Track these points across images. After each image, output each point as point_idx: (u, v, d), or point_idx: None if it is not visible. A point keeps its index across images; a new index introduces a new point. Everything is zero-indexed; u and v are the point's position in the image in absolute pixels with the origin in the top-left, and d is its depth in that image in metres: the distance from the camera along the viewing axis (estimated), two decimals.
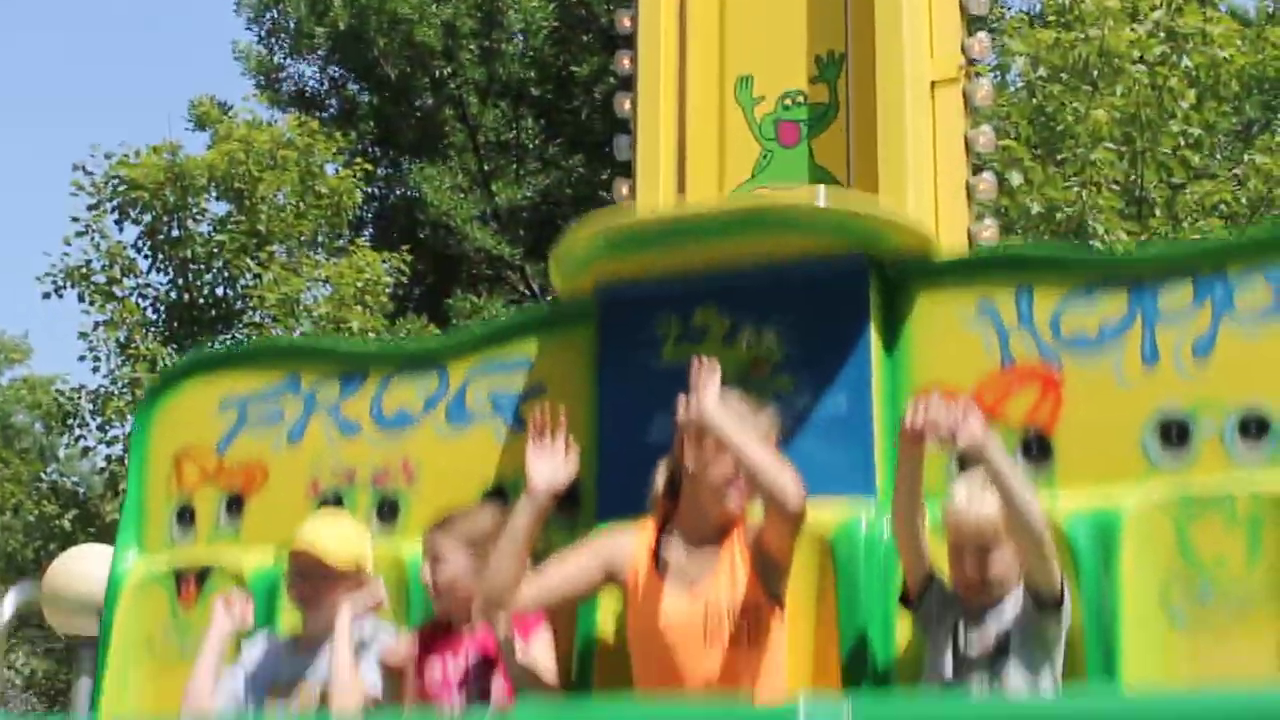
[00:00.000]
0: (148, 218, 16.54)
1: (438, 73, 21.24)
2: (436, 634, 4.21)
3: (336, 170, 17.57)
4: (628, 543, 3.94)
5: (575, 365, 4.40)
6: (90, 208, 16.96)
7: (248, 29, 22.67)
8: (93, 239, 17.06)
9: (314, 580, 4.24)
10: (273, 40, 22.67)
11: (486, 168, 21.58)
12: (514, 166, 21.72)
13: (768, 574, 3.82)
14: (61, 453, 24.30)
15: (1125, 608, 3.70)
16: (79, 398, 17.54)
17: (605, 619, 4.13)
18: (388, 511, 4.58)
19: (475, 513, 4.18)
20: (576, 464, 3.87)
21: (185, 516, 4.85)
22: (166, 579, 4.77)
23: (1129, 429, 3.85)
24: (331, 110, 21.89)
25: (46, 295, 17.16)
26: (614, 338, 4.29)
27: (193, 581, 4.72)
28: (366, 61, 21.61)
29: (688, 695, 3.70)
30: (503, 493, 4.40)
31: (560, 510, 4.28)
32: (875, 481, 3.97)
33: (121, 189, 16.64)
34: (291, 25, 22.31)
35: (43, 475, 20.57)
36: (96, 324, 17.29)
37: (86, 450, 18.02)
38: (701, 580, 3.83)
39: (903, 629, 3.86)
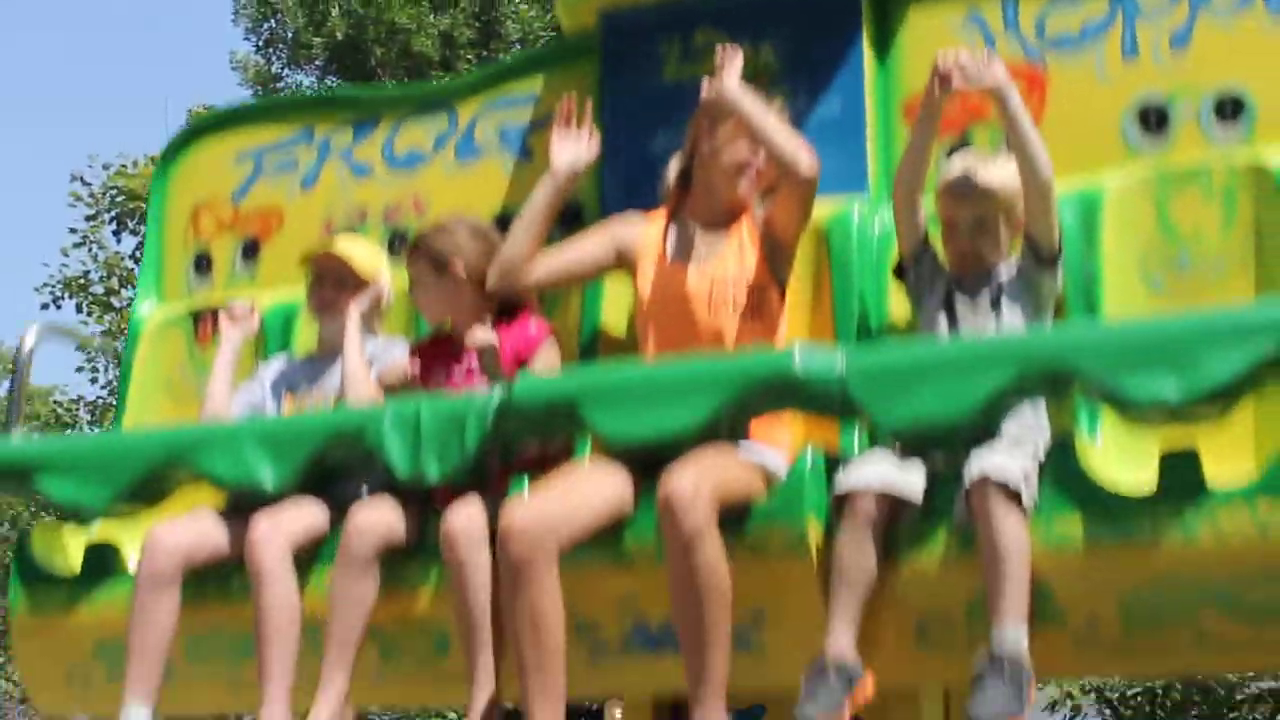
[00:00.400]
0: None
1: (436, 82, 21.03)
2: (438, 346, 4.38)
3: None
4: (638, 225, 4.13)
5: (580, 98, 4.56)
6: (88, 219, 16.99)
7: (245, 39, 22.69)
8: (91, 250, 17.12)
9: (334, 285, 4.41)
10: (270, 50, 22.53)
11: None
12: None
13: (774, 256, 3.99)
14: None
15: (1107, 279, 3.89)
16: (77, 409, 17.54)
17: (610, 311, 4.31)
18: (398, 245, 4.76)
19: (446, 228, 4.32)
20: (597, 149, 4.05)
21: (202, 265, 5.03)
22: (183, 320, 4.97)
23: (1110, 118, 4.04)
24: None
25: (45, 306, 17.24)
26: (617, 61, 4.49)
27: (209, 321, 4.89)
28: (364, 71, 21.40)
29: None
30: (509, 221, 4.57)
31: (564, 228, 4.47)
32: (867, 180, 4.15)
33: (119, 200, 16.62)
34: (289, 35, 22.15)
35: None
36: (95, 335, 17.40)
37: None
38: (710, 257, 4.01)
39: (897, 308, 4.03)
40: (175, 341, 4.94)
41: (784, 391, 3.55)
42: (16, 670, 4.58)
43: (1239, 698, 14.47)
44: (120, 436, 4.55)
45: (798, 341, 3.72)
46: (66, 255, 17.26)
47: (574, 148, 4.08)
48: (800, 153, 3.84)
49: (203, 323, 4.91)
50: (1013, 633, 3.29)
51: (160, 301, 5.06)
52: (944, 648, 3.51)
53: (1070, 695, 14.19)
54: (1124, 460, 3.65)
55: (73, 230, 17.03)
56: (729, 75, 3.89)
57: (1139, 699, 14.38)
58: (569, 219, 4.50)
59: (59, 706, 4.55)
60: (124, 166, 16.65)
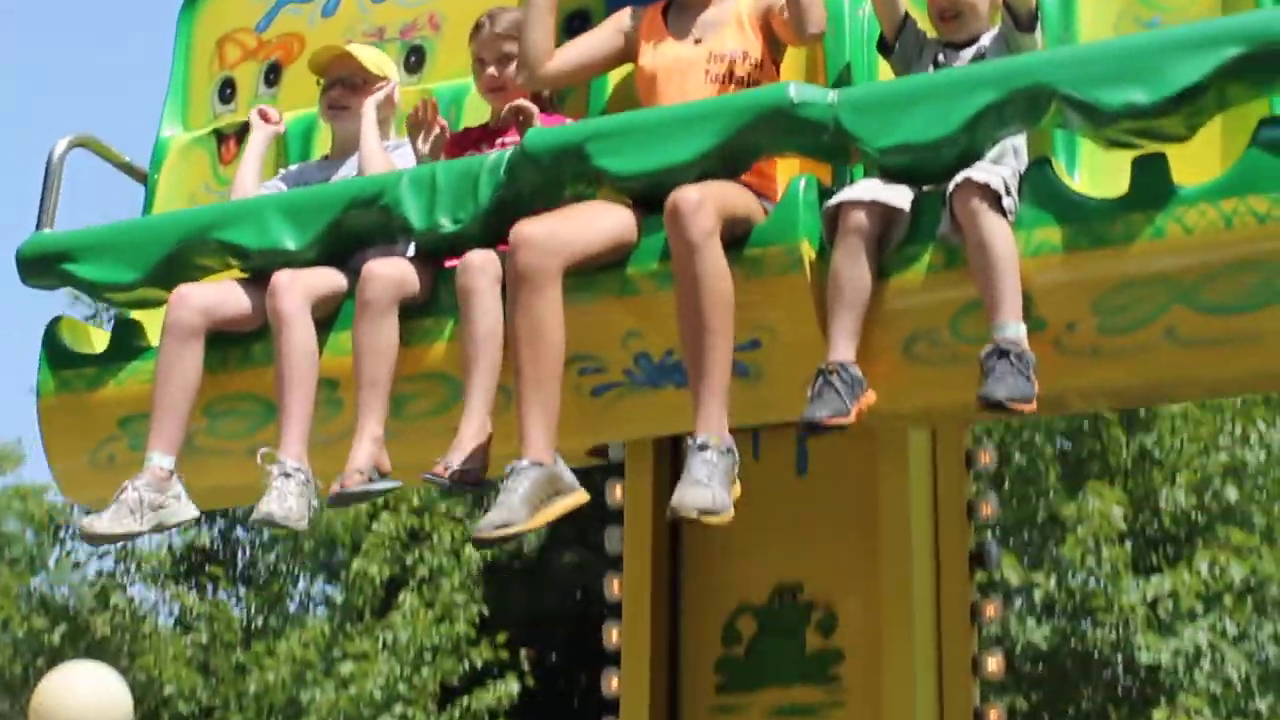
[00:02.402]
0: None
1: None
2: (469, 135, 4.69)
3: None
4: (641, 12, 4.49)
5: None
6: (89, 319, 17.04)
7: None
8: None
9: (345, 87, 4.74)
10: None
11: None
12: None
13: (772, 42, 4.33)
14: (52, 562, 23.11)
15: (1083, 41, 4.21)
16: (70, 509, 17.27)
17: (614, 108, 4.62)
18: (414, 61, 5.10)
19: (515, 10, 4.65)
20: None
21: (226, 91, 5.36)
22: (207, 140, 5.29)
23: None
24: None
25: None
26: None
27: (233, 140, 5.20)
28: None
29: None
30: None
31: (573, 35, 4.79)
32: None
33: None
34: None
35: (32, 589, 19.99)
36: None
37: (77, 564, 17.91)
38: (708, 33, 4.36)
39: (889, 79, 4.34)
40: (200, 161, 5.26)
41: (780, 122, 3.86)
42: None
43: None
44: (147, 219, 4.87)
45: (791, 82, 4.01)
46: None
47: None
48: (814, 11, 4.13)
49: (226, 142, 5.22)
50: (1014, 325, 3.60)
51: (185, 129, 5.38)
52: (930, 362, 3.81)
53: None
54: (1100, 187, 3.93)
55: None
56: None
57: None
58: (577, 26, 4.82)
59: (83, 490, 4.81)
60: None
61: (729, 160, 3.93)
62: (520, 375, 3.79)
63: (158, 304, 4.55)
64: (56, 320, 4.76)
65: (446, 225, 4.18)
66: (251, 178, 4.76)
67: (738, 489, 3.72)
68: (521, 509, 3.67)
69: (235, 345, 4.42)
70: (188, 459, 4.30)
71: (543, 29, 4.41)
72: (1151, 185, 3.63)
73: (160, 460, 4.22)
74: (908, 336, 3.82)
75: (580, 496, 3.82)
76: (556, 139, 4.09)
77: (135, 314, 4.77)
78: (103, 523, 4.13)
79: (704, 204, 3.75)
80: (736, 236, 3.87)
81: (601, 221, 3.97)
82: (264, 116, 4.90)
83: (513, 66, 4.56)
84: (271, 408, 4.27)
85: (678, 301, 3.78)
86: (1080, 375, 3.77)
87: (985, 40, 4.16)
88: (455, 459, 3.88)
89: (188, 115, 5.39)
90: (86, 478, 4.72)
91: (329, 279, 4.36)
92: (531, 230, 3.83)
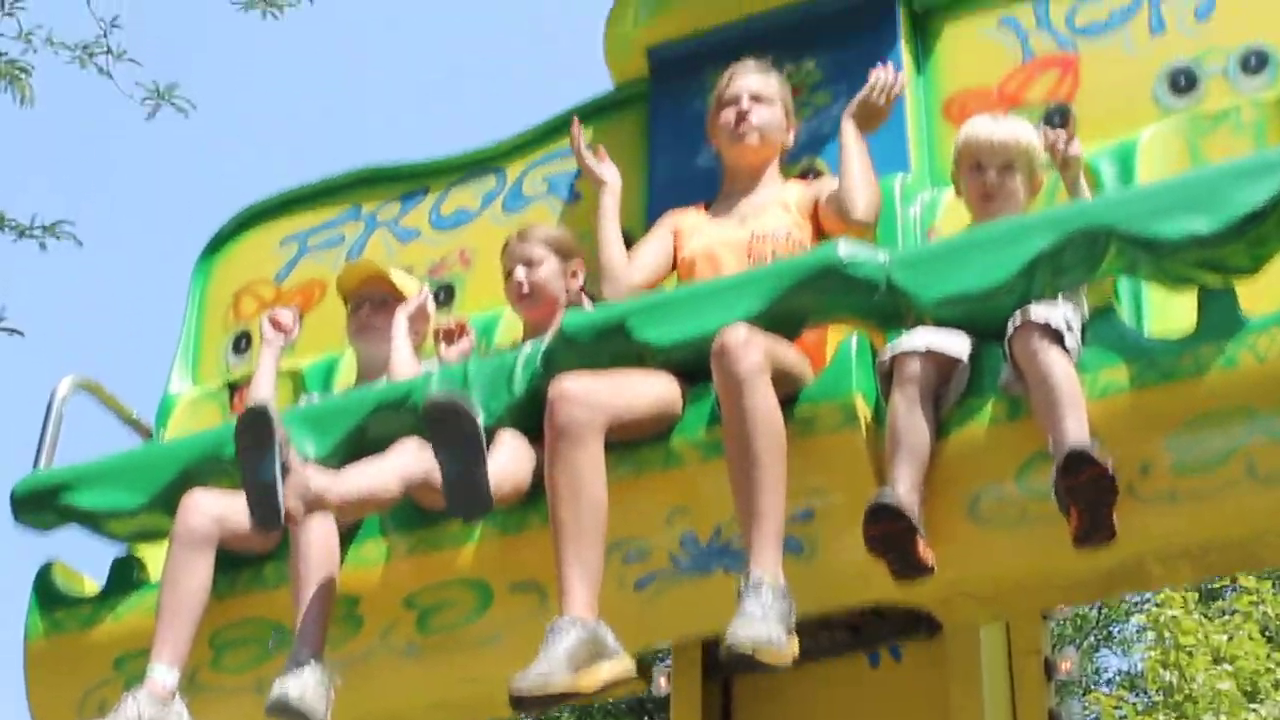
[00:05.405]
0: None
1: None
2: None
3: None
4: (688, 209, 5.04)
5: (628, 145, 5.46)
6: None
7: None
8: None
9: (375, 304, 5.17)
10: None
11: None
12: None
13: (819, 234, 4.80)
14: None
15: None
16: None
17: None
18: (443, 297, 5.54)
19: (546, 225, 5.16)
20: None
21: (241, 344, 5.82)
22: (219, 394, 5.70)
23: (1141, 84, 4.92)
24: None
25: None
26: (665, 90, 5.44)
27: (246, 391, 5.57)
28: None
29: None
30: None
31: None
32: (909, 163, 5.00)
33: None
34: None
35: None
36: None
37: None
38: (750, 214, 4.87)
39: None
40: (209, 414, 5.64)
41: (830, 282, 4.26)
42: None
43: None
44: (151, 446, 5.24)
45: (842, 239, 4.42)
46: None
47: (606, 162, 5.11)
48: (864, 194, 4.68)
49: (239, 393, 5.61)
50: (1091, 439, 3.86)
51: (196, 383, 5.79)
52: (998, 523, 4.09)
53: None
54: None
55: None
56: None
57: None
58: None
59: None
60: None
61: (777, 326, 4.26)
62: (560, 532, 4.04)
63: (162, 536, 4.76)
64: (48, 565, 5.04)
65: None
66: (265, 392, 5.14)
67: (795, 644, 3.94)
68: (563, 666, 3.81)
69: (245, 567, 4.71)
70: (188, 697, 4.46)
71: (618, 241, 4.96)
72: (1220, 317, 4.01)
73: (164, 675, 4.38)
74: (972, 496, 4.11)
75: (627, 665, 3.97)
76: (595, 318, 4.48)
77: (136, 552, 5.07)
78: None
79: (753, 340, 4.11)
80: (786, 396, 4.21)
81: (645, 384, 4.34)
82: (275, 324, 5.31)
83: (541, 270, 4.98)
84: (285, 634, 4.49)
85: (726, 444, 4.08)
86: (1159, 527, 4.02)
87: None
88: None
89: (199, 371, 5.83)
90: None
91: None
92: (572, 384, 4.17)
